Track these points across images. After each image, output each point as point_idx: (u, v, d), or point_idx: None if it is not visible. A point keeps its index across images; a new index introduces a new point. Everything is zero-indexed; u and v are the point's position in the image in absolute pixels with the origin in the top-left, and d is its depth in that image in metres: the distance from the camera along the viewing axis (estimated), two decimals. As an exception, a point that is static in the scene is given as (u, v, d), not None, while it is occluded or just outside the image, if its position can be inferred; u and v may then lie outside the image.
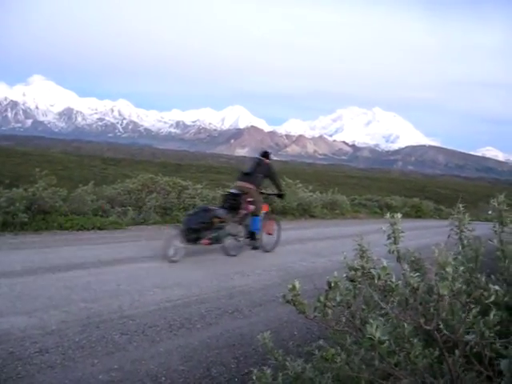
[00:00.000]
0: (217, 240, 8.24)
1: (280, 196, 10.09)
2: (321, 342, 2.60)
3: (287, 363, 2.34)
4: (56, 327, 4.45)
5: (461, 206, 2.64)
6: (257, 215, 9.04)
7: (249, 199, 8.93)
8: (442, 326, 1.87)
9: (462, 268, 1.90)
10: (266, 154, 9.50)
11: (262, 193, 9.50)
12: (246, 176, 9.05)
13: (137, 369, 3.73)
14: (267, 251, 9.28)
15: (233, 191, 8.96)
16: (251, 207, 8.97)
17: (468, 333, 1.88)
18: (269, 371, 2.33)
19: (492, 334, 1.81)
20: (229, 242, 8.55)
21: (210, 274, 7.13)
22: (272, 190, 10.51)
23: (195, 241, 8.00)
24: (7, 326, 4.36)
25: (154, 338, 4.41)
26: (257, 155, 9.61)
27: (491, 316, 1.81)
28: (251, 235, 9.08)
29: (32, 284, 5.86)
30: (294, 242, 10.35)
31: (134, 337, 4.39)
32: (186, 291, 6.07)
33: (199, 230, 8.00)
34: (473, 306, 1.88)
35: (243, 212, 8.87)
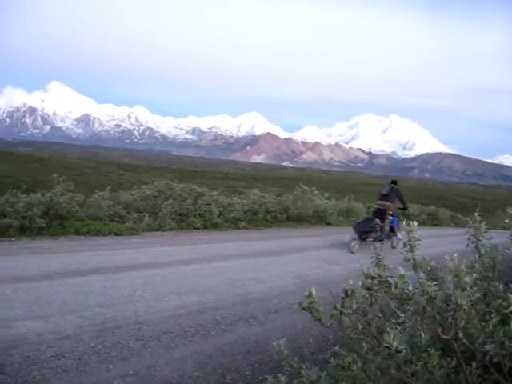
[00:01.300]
0: (375, 239, 11.32)
1: (404, 209, 13.38)
2: (336, 347, 2.57)
3: (302, 371, 2.33)
4: (72, 332, 4.47)
5: (477, 214, 2.61)
6: (396, 217, 12.64)
7: (389, 212, 12.28)
8: (461, 336, 1.85)
9: (478, 276, 1.88)
10: (395, 182, 13.01)
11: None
12: (385, 197, 12.42)
13: (152, 375, 3.73)
14: (394, 247, 12.32)
15: (378, 207, 12.39)
16: (391, 218, 12.37)
17: (486, 342, 1.85)
18: (283, 379, 2.32)
19: (512, 345, 1.78)
20: (379, 240, 11.41)
21: (226, 280, 7.12)
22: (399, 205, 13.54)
23: (364, 239, 11.34)
24: (23, 331, 4.39)
25: (169, 344, 4.41)
26: (390, 183, 13.02)
27: (512, 326, 1.79)
28: (392, 230, 12.47)
29: (48, 289, 5.90)
30: (309, 249, 10.29)
31: (149, 342, 4.39)
32: (201, 297, 6.06)
33: (368, 232, 11.48)
34: (493, 315, 1.86)
35: (387, 221, 12.18)
